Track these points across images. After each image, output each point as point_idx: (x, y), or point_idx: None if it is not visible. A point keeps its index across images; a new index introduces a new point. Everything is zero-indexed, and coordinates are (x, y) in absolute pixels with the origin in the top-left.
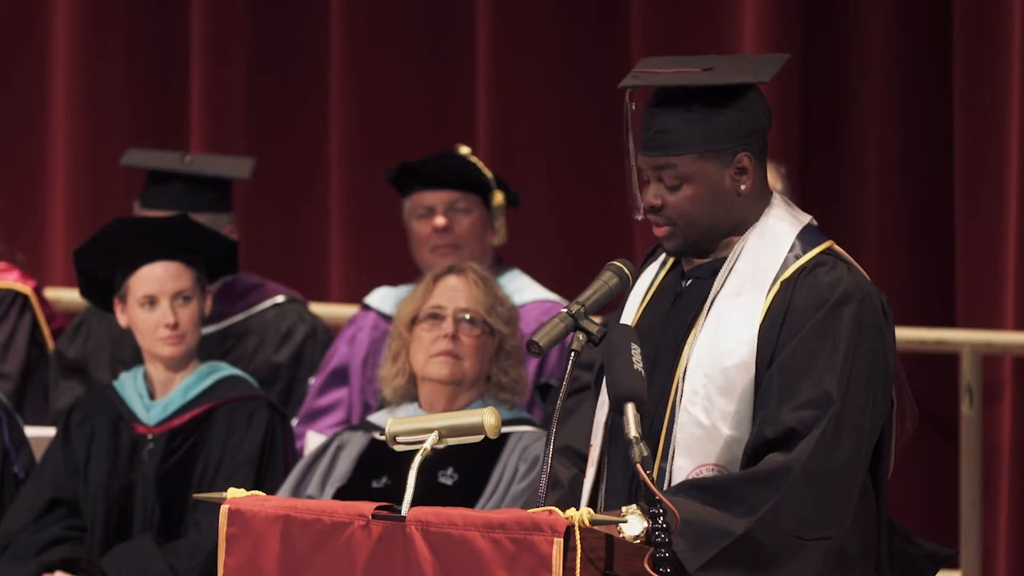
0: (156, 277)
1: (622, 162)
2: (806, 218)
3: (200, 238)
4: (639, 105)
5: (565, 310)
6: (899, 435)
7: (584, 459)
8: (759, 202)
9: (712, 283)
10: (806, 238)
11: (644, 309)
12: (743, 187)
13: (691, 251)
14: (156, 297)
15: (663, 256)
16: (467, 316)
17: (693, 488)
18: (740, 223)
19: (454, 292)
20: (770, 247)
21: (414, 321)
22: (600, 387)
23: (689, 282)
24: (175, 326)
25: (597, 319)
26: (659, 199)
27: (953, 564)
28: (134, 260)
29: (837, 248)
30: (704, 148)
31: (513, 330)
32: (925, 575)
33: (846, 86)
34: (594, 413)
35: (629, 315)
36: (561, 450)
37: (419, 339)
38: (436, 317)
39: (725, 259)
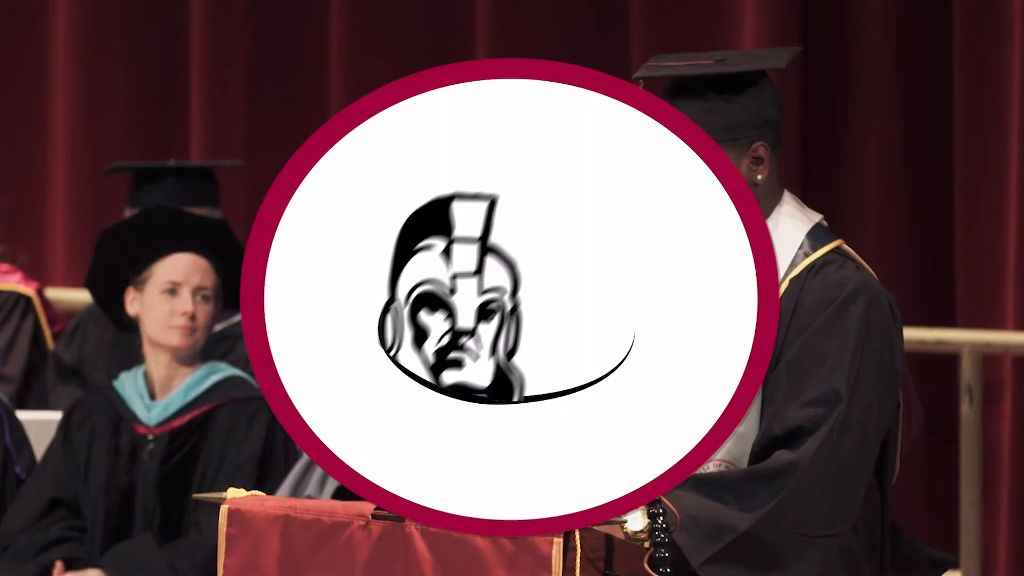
0: (185, 267)
1: None
2: (816, 216)
3: (235, 250)
4: None
5: None
6: (905, 438)
7: None
8: (772, 196)
9: None
10: (816, 236)
11: None
12: (759, 177)
13: None
14: (180, 286)
15: None
16: None
17: (699, 483)
18: None
19: None
20: (780, 244)
21: None
22: None
23: None
24: (193, 317)
25: None
26: None
27: (953, 564)
28: (167, 247)
29: (846, 247)
30: (722, 137)
31: None
32: None
33: (846, 86)
34: None
35: None
36: None
37: None
38: None
39: None
